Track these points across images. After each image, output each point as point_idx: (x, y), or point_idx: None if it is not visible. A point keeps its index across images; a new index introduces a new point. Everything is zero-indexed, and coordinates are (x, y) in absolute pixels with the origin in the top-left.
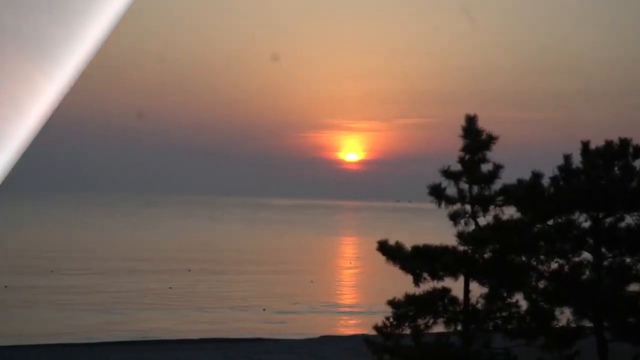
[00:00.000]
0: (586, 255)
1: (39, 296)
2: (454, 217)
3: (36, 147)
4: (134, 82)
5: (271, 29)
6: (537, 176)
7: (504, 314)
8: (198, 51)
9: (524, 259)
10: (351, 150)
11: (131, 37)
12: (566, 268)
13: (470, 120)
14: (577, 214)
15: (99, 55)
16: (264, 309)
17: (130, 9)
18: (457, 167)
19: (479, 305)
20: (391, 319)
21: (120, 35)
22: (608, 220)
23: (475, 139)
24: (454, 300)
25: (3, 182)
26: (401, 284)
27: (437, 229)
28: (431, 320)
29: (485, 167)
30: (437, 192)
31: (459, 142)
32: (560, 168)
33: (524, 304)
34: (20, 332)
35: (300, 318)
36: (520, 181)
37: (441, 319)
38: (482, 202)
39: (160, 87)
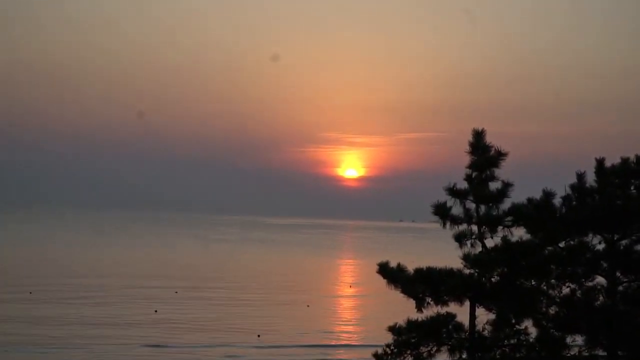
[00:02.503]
0: (600, 280)
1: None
2: (460, 238)
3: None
4: (134, 86)
5: (272, 33)
6: (548, 195)
7: (512, 341)
8: (198, 57)
9: (533, 283)
10: (351, 166)
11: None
12: (578, 293)
13: (478, 135)
14: (590, 235)
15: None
16: (258, 335)
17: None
18: (463, 184)
19: (485, 332)
20: (392, 347)
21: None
22: (623, 242)
23: (483, 155)
24: (459, 326)
25: None
26: (403, 308)
27: (441, 251)
28: (435, 348)
29: (494, 185)
30: (442, 212)
31: (466, 158)
32: (573, 187)
33: (533, 331)
34: None
35: (296, 344)
36: (530, 200)
37: (445, 347)
38: (490, 223)
39: (158, 93)
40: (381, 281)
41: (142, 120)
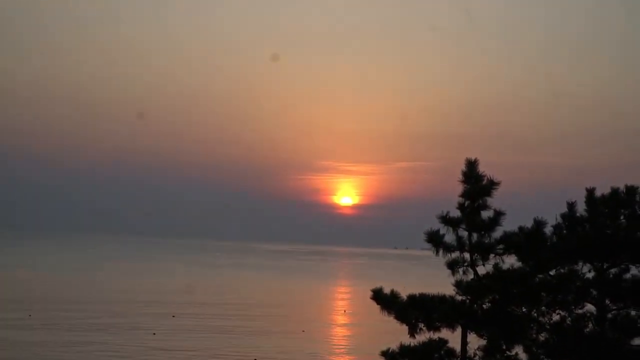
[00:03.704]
0: (589, 307)
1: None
2: (452, 266)
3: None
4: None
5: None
6: (539, 224)
7: None
8: (198, 88)
9: (524, 310)
10: (346, 193)
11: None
12: (568, 320)
13: (471, 165)
14: (580, 264)
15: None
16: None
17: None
18: (456, 213)
19: (476, 358)
20: None
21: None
22: (613, 271)
23: (476, 184)
24: (450, 352)
25: None
26: (396, 334)
27: (434, 278)
28: None
29: (486, 214)
30: (434, 239)
31: (459, 187)
32: (563, 216)
33: (524, 358)
34: None
35: None
36: (521, 229)
37: None
38: (482, 250)
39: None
40: (375, 307)
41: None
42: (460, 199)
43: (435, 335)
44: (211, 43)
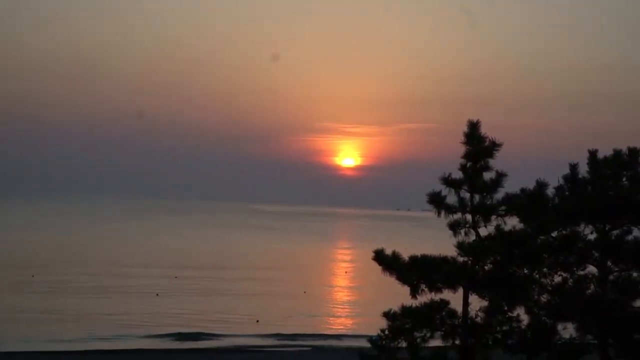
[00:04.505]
0: (591, 269)
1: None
2: (454, 227)
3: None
4: (134, 83)
5: (271, 30)
6: (541, 186)
7: (504, 328)
8: (196, 49)
9: (526, 271)
10: (348, 155)
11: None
12: (570, 282)
13: (473, 126)
14: (582, 225)
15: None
16: (257, 321)
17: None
18: (458, 174)
19: (478, 319)
20: (386, 332)
21: (120, 37)
22: (615, 232)
23: (478, 145)
24: (452, 313)
25: None
26: (397, 295)
27: (436, 239)
28: (428, 334)
29: (488, 175)
30: (436, 201)
31: (461, 149)
32: (565, 178)
33: (525, 319)
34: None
35: (292, 330)
36: (523, 190)
37: (439, 333)
38: (484, 212)
39: (158, 89)
40: (377, 268)
41: (141, 119)
42: (462, 161)
43: (436, 297)
44: None
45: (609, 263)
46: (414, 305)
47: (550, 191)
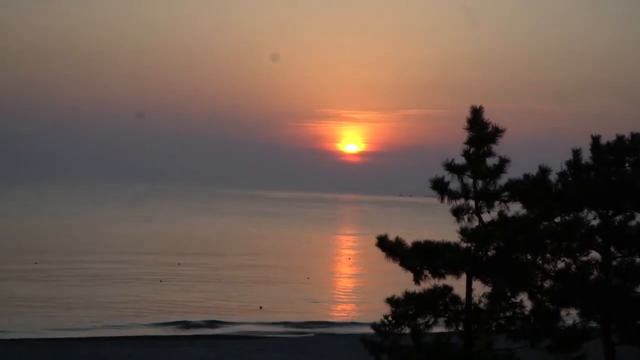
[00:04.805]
0: (594, 255)
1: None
2: (457, 213)
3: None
4: (137, 76)
5: (272, 19)
6: (544, 171)
7: (507, 314)
8: (197, 40)
9: (529, 257)
10: (351, 141)
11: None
12: (573, 267)
13: (476, 112)
14: (585, 211)
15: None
16: (260, 307)
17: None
18: (461, 160)
19: (481, 305)
20: (390, 318)
21: (122, 34)
22: (618, 218)
23: (481, 131)
24: (455, 299)
25: None
26: (401, 281)
27: (439, 225)
28: (431, 320)
29: (491, 161)
30: (439, 187)
31: (464, 135)
32: (569, 163)
33: (528, 304)
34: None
35: (295, 316)
36: (527, 176)
37: (442, 319)
38: (487, 198)
39: (161, 78)
40: (380, 254)
41: (143, 111)
42: (465, 146)
43: (440, 282)
44: None
45: (612, 249)
46: (417, 291)
47: (553, 177)
